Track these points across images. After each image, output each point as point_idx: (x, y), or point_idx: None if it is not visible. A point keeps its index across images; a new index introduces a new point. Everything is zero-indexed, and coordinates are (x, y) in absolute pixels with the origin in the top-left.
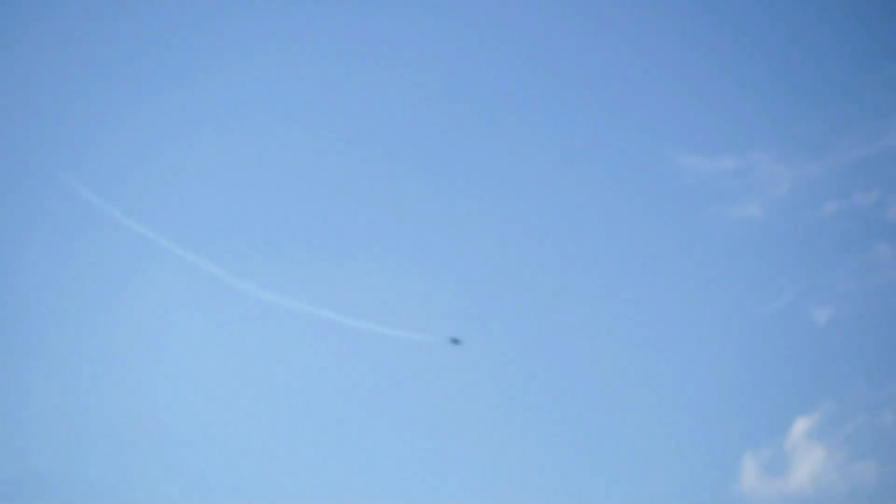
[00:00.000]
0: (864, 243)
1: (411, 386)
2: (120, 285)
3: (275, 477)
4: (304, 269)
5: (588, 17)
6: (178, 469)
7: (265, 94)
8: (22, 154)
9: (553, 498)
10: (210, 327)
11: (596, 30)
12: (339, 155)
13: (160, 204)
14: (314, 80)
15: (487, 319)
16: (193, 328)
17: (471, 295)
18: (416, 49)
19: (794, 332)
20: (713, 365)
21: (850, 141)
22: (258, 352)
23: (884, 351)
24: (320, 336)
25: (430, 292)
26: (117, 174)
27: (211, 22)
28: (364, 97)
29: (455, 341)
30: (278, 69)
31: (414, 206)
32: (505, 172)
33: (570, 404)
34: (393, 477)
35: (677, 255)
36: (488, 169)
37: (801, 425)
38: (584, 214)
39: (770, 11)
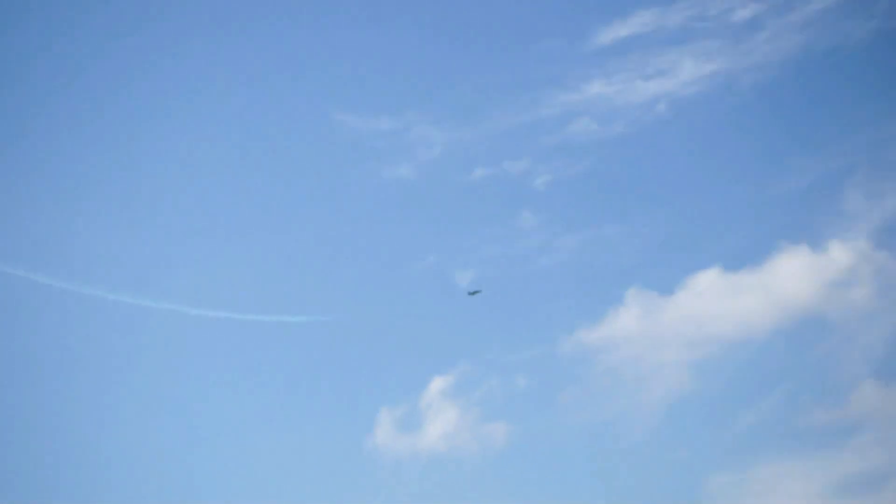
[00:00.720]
0: (510, 210)
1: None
2: None
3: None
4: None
5: None
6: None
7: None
8: None
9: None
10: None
11: None
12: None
13: None
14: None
15: None
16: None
17: None
18: None
19: (437, 292)
20: (357, 320)
21: (502, 109)
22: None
23: (520, 316)
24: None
25: None
26: None
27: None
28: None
29: (473, 293)
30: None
31: None
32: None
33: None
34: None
35: (332, 209)
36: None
37: (437, 384)
38: (243, 167)
39: None
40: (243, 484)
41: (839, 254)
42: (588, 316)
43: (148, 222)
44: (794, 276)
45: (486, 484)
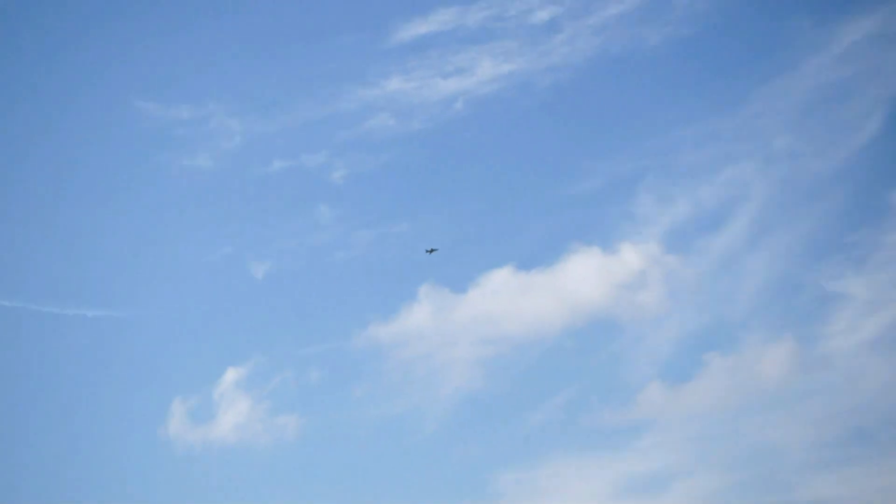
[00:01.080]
0: (307, 203)
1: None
2: None
3: None
4: None
5: None
6: None
7: None
8: None
9: None
10: None
11: None
12: None
13: None
14: None
15: None
16: None
17: None
18: None
19: (232, 283)
20: (151, 310)
21: (301, 102)
22: None
23: (315, 310)
24: None
25: None
26: None
27: None
28: None
29: (431, 251)
30: None
31: None
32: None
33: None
34: None
35: (128, 198)
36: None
37: (230, 375)
38: (39, 153)
39: None
40: (33, 478)
41: (630, 256)
42: (382, 311)
43: None
44: (585, 277)
45: (276, 476)
